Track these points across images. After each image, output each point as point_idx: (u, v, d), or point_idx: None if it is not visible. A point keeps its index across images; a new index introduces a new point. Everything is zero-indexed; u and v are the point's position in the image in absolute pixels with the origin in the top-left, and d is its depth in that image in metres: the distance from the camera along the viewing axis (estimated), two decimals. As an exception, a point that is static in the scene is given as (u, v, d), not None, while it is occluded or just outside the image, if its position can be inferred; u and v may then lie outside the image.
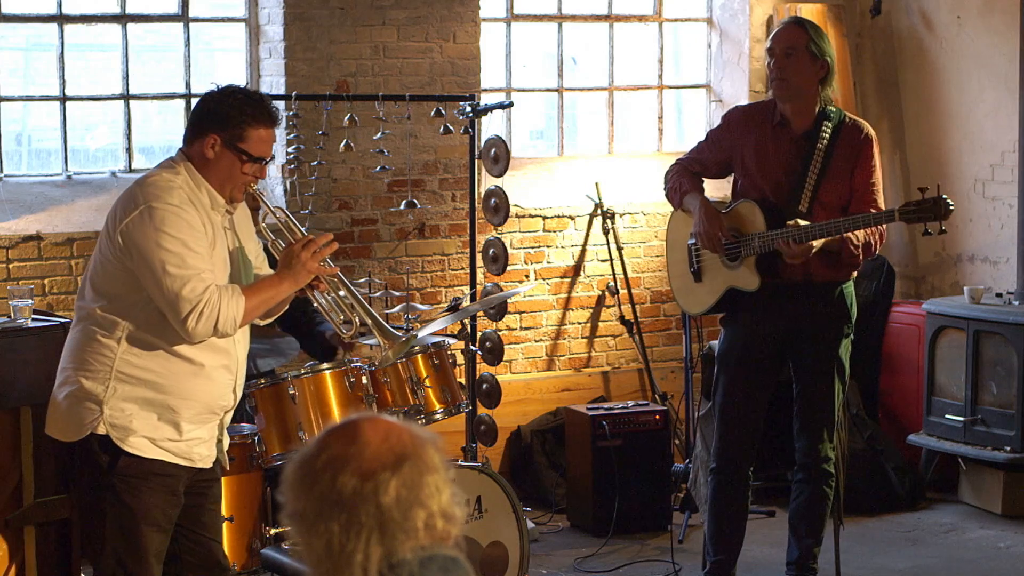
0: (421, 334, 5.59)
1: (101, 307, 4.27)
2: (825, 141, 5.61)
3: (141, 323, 4.23)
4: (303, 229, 4.52)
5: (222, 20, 7.44)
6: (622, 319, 7.82)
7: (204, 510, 4.47)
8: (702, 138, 6.00)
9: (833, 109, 5.67)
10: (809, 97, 5.63)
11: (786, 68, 5.60)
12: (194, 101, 7.17)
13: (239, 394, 4.46)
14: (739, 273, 5.69)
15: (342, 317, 4.48)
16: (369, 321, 4.45)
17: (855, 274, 5.75)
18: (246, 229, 4.52)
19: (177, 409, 4.27)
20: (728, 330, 5.82)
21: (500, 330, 7.04)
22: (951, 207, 5.40)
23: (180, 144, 4.40)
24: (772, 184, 5.67)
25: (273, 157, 4.42)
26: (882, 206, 5.65)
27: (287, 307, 4.58)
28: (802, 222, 5.49)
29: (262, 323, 4.64)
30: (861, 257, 5.61)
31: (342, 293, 4.49)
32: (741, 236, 5.66)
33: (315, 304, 4.51)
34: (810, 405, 5.74)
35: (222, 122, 4.28)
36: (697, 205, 5.75)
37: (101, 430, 4.24)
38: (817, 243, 5.45)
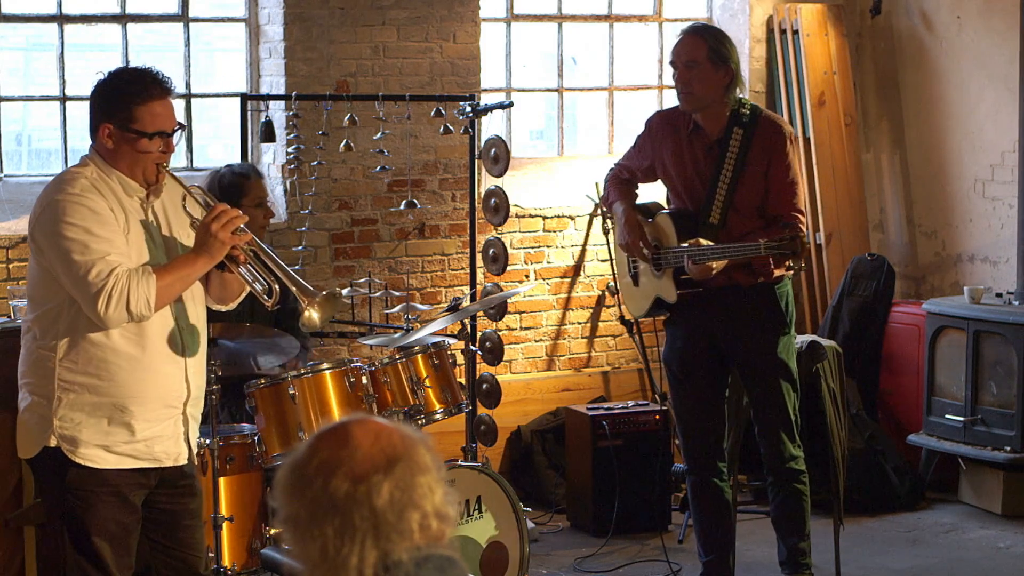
0: (421, 334, 5.60)
1: (35, 317, 4.21)
2: (737, 146, 5.58)
3: (71, 327, 4.15)
4: (216, 203, 4.30)
5: (222, 20, 7.44)
6: (622, 319, 7.82)
7: (179, 526, 4.36)
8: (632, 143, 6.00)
9: (747, 111, 5.62)
10: (717, 105, 5.60)
11: (689, 81, 5.59)
12: (194, 101, 7.24)
13: (196, 384, 4.34)
14: (662, 283, 5.71)
15: (262, 287, 4.28)
16: (293, 287, 4.22)
17: (788, 275, 5.67)
18: (179, 216, 4.35)
19: (126, 408, 4.18)
20: (669, 332, 5.84)
21: (500, 330, 7.04)
22: (806, 244, 5.32)
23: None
24: (689, 191, 5.68)
25: (179, 127, 4.23)
26: (800, 205, 5.60)
27: (244, 290, 4.39)
28: (703, 241, 5.48)
29: (223, 308, 4.49)
30: (772, 267, 5.56)
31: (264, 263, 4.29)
32: (660, 247, 5.68)
33: (239, 276, 4.30)
34: (761, 409, 5.73)
35: (109, 109, 4.19)
36: (620, 215, 5.78)
37: (52, 443, 4.16)
38: (717, 264, 5.44)
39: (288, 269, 4.28)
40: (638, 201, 5.89)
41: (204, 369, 4.43)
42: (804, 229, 5.58)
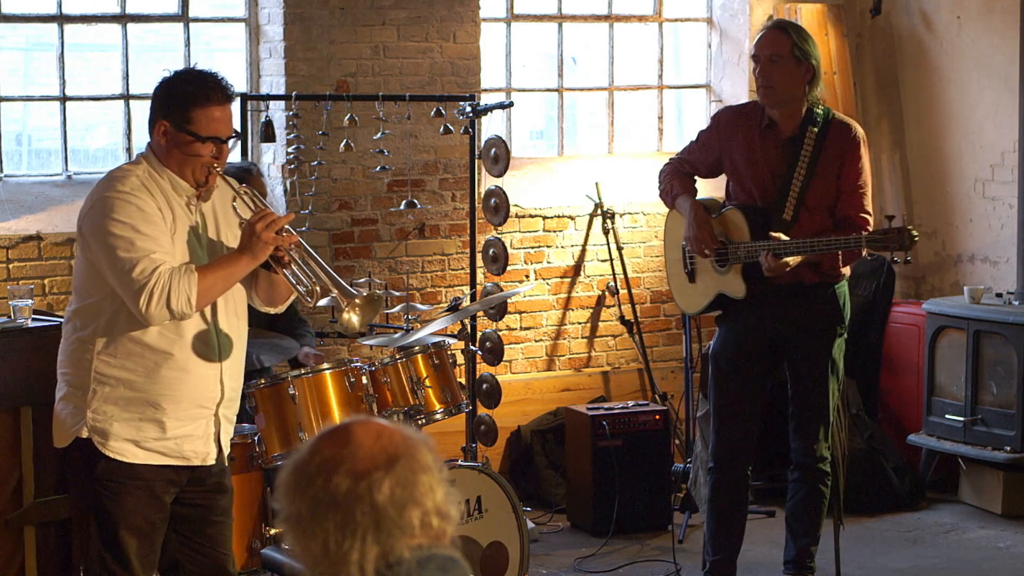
0: (421, 334, 5.60)
1: (78, 308, 4.27)
2: (811, 145, 5.59)
3: (112, 321, 4.20)
4: (265, 205, 4.38)
5: (222, 20, 7.45)
6: (622, 319, 7.82)
7: (208, 522, 4.41)
8: (693, 138, 5.99)
9: (820, 111, 5.64)
10: (796, 101, 5.61)
11: (772, 75, 5.58)
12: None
13: (231, 387, 4.38)
14: (728, 279, 5.69)
15: (305, 289, 4.33)
16: (334, 290, 4.27)
17: (847, 274, 5.74)
18: (228, 218, 4.41)
19: (159, 406, 4.23)
20: (722, 329, 5.82)
21: (500, 330, 7.04)
22: (915, 237, 5.37)
23: None
24: (760, 188, 5.67)
25: (234, 135, 4.31)
26: (869, 208, 5.65)
27: (293, 293, 4.42)
28: (783, 236, 5.48)
29: (272, 310, 4.56)
30: (842, 265, 5.63)
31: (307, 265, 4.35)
32: (729, 243, 5.67)
33: (283, 277, 4.34)
34: (805, 405, 5.74)
35: (168, 107, 4.23)
36: (688, 210, 5.75)
37: (84, 434, 4.22)
38: (793, 260, 5.45)
39: (331, 271, 4.32)
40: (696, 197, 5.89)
41: (241, 372, 4.46)
42: (871, 230, 5.61)
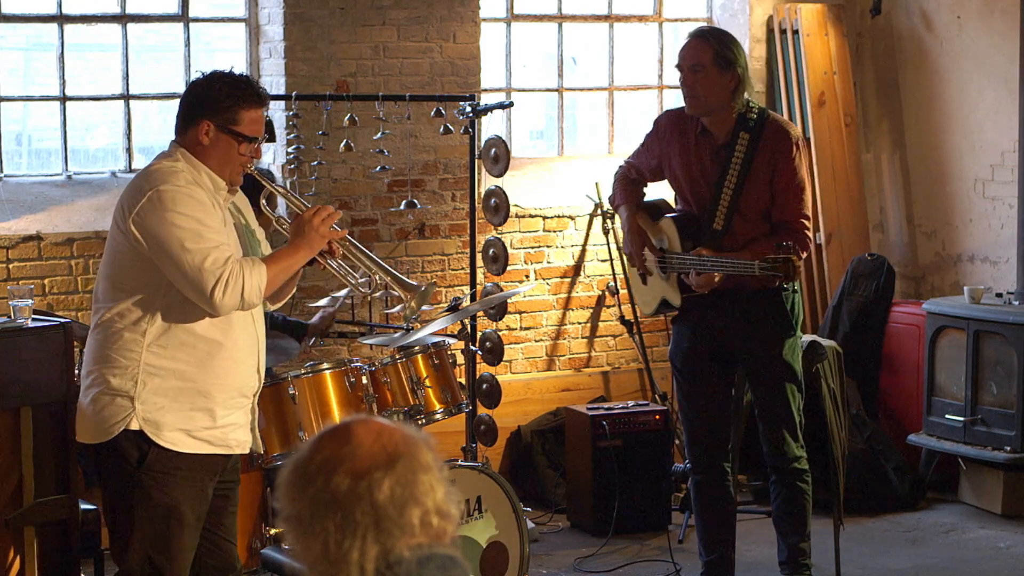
0: (421, 334, 5.60)
1: (122, 302, 4.28)
2: (743, 151, 5.54)
3: (163, 313, 4.25)
4: (306, 203, 4.53)
5: (222, 20, 7.45)
6: (622, 319, 7.83)
7: (226, 512, 4.48)
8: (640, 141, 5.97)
9: (754, 115, 5.56)
10: (723, 109, 5.54)
11: (694, 84, 5.53)
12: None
13: (262, 376, 4.49)
14: (667, 286, 5.69)
15: (357, 279, 4.52)
16: (388, 278, 4.49)
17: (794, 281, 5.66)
18: (249, 213, 4.58)
19: (209, 395, 4.29)
20: (675, 330, 5.82)
21: (500, 330, 7.04)
22: (798, 267, 5.21)
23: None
24: (695, 195, 5.65)
25: (266, 138, 4.47)
26: (806, 211, 5.56)
27: (295, 289, 4.61)
28: (704, 252, 5.46)
29: (271, 307, 4.68)
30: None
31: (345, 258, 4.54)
32: (667, 252, 5.67)
33: (330, 269, 4.51)
34: (765, 411, 5.72)
35: (213, 107, 4.30)
36: (624, 221, 5.78)
37: (134, 425, 4.25)
38: (719, 276, 5.43)
39: (381, 261, 4.52)
40: (646, 199, 5.88)
41: (264, 363, 4.57)
42: (810, 235, 5.57)
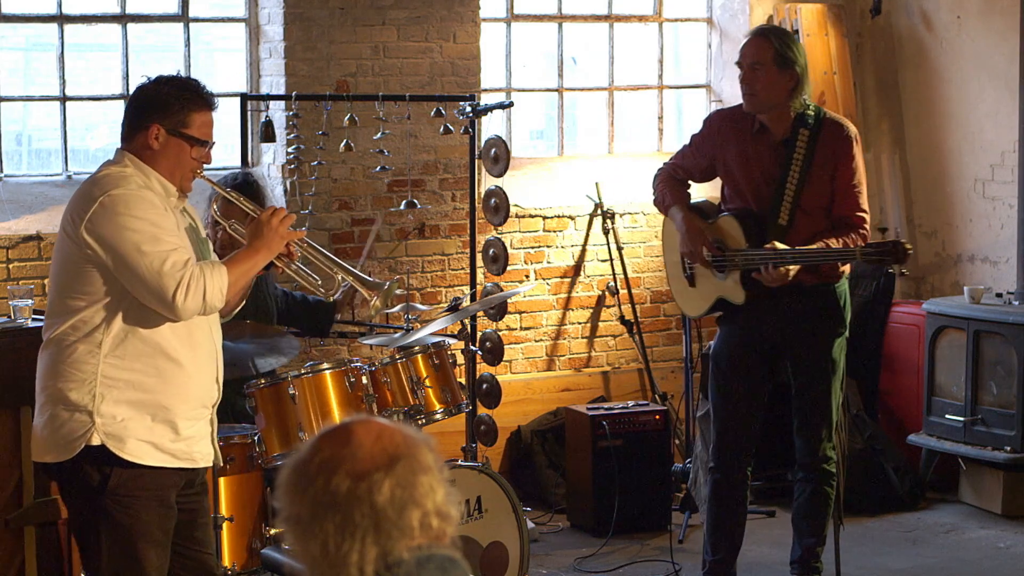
0: (421, 334, 5.60)
1: (75, 315, 4.14)
2: (804, 147, 5.57)
3: (119, 322, 4.12)
4: (259, 208, 4.44)
5: (222, 20, 7.45)
6: (622, 319, 7.83)
7: (196, 525, 4.34)
8: (687, 142, 5.98)
9: (811, 113, 5.61)
10: (782, 107, 5.58)
11: (753, 82, 5.57)
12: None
13: (221, 386, 4.37)
14: (726, 285, 5.69)
15: (318, 280, 4.43)
16: (349, 277, 4.41)
17: (847, 272, 5.73)
18: (198, 220, 4.46)
19: (170, 407, 4.16)
20: (723, 330, 5.82)
21: (500, 330, 7.04)
22: (909, 251, 5.36)
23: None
24: (754, 192, 5.66)
25: (213, 143, 4.32)
26: (865, 207, 5.63)
27: (245, 300, 4.47)
28: (779, 245, 5.47)
29: (224, 319, 4.50)
30: (841, 267, 5.63)
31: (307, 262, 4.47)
32: (726, 250, 5.66)
33: (288, 273, 4.42)
34: (807, 405, 5.74)
35: (163, 110, 4.21)
36: (680, 221, 5.75)
37: (95, 441, 4.10)
38: (793, 269, 5.45)
39: (341, 262, 4.47)
40: (691, 201, 5.88)
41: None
42: (868, 229, 5.62)
